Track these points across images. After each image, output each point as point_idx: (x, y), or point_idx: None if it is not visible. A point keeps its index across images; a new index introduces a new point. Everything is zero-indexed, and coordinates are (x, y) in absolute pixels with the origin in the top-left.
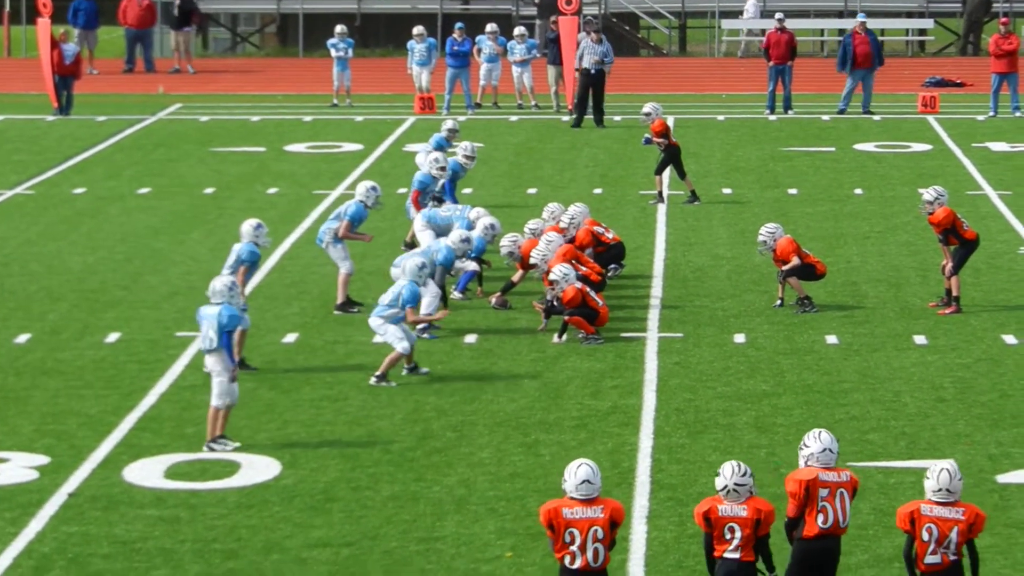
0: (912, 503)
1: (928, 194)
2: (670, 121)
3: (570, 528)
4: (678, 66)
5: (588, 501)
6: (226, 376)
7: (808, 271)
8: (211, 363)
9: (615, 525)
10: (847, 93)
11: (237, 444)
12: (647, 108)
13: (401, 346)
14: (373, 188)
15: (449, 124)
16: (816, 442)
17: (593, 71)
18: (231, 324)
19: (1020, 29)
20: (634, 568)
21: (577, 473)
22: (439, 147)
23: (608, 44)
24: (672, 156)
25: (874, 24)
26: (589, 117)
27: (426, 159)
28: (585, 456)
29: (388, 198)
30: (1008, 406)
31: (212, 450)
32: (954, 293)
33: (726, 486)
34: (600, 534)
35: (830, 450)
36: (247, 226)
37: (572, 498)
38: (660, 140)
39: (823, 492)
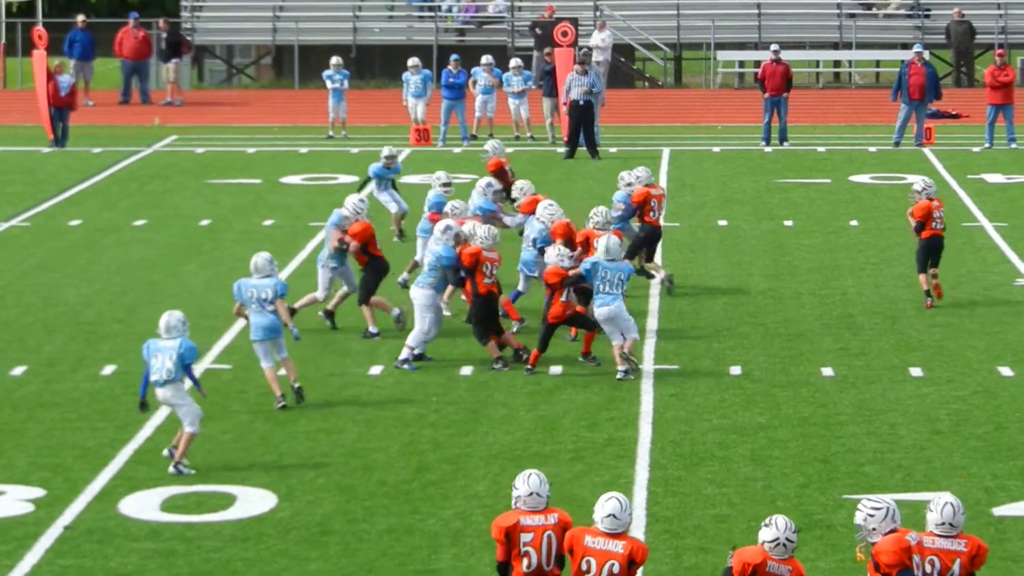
0: (917, 535)
1: (919, 184)
2: (665, 154)
3: (587, 556)
4: (673, 97)
5: (612, 535)
6: (191, 406)
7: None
8: (168, 395)
9: (633, 564)
10: (900, 125)
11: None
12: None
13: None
14: (362, 200)
15: (386, 151)
16: (524, 485)
17: (582, 102)
18: (190, 357)
19: (1015, 60)
20: None
21: (605, 506)
22: (377, 176)
23: (595, 75)
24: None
25: (869, 56)
26: (583, 149)
27: (481, 191)
28: (581, 489)
29: (384, 226)
30: (1004, 438)
31: (180, 472)
32: (924, 287)
33: (777, 538)
34: (616, 568)
35: (538, 494)
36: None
37: (597, 529)
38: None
39: (526, 537)
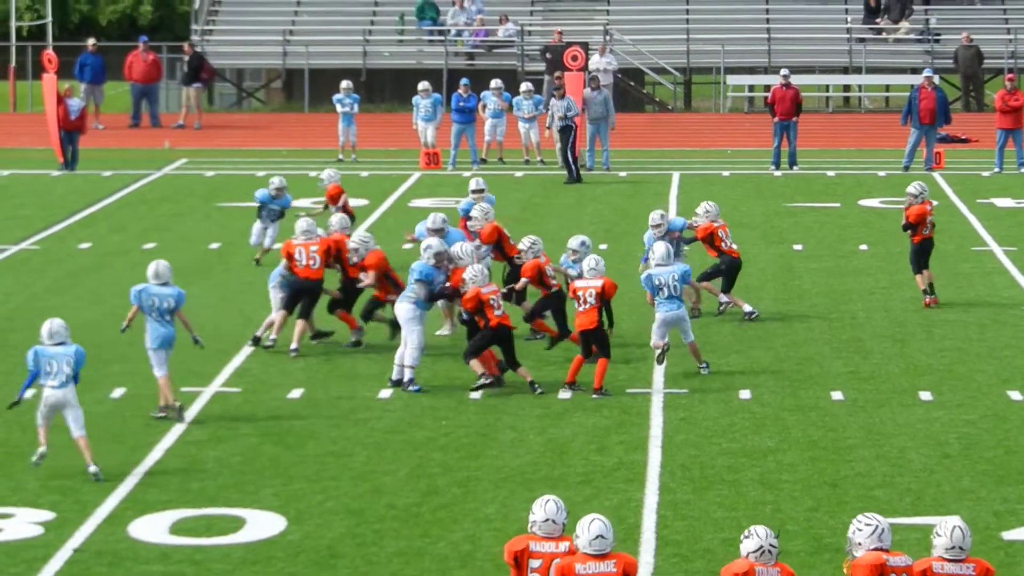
0: (923, 561)
1: (914, 188)
2: (675, 178)
3: None
4: (683, 122)
5: (601, 556)
6: (79, 408)
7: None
8: (69, 397)
9: None
10: (910, 149)
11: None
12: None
13: (410, 358)
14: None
15: (275, 182)
16: (541, 511)
17: (558, 128)
18: (83, 361)
19: None
20: None
21: (590, 528)
22: (262, 203)
23: (570, 98)
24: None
25: (879, 80)
26: (591, 172)
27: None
28: (590, 512)
29: (395, 254)
30: (1013, 462)
31: (99, 478)
32: (921, 287)
33: (761, 546)
34: None
35: (553, 521)
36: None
37: (585, 553)
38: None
39: (534, 563)
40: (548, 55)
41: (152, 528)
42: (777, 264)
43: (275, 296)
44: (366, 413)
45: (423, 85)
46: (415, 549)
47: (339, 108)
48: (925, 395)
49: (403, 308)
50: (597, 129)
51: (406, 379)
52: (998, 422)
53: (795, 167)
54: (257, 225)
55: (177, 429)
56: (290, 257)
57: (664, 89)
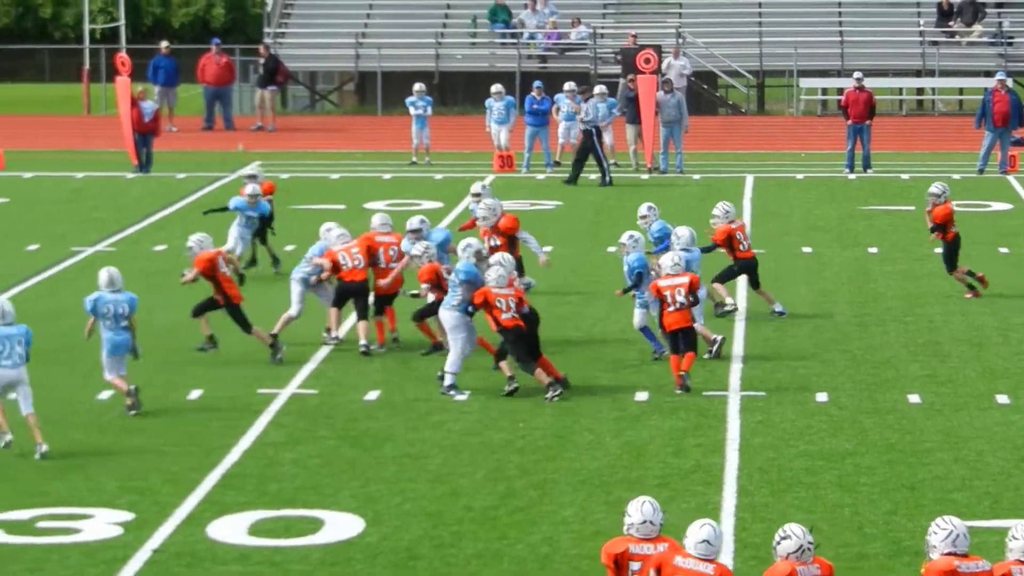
0: (1002, 565)
1: (936, 188)
2: (749, 181)
3: None
4: (756, 124)
5: (703, 559)
6: (29, 386)
7: None
8: (23, 376)
9: None
10: (984, 152)
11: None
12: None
13: (451, 364)
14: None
15: (249, 188)
16: (638, 513)
17: (582, 131)
18: (31, 339)
19: None
20: None
21: (700, 531)
22: (238, 210)
23: (593, 102)
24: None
25: (953, 83)
26: (664, 175)
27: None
28: (668, 515)
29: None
30: None
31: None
32: (964, 282)
33: (801, 546)
34: None
35: (651, 522)
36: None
37: (689, 552)
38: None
39: (635, 565)
40: (618, 57)
41: (231, 529)
42: (852, 267)
43: (296, 289)
44: (442, 415)
45: (496, 88)
46: (493, 551)
47: (412, 111)
48: (1002, 398)
49: (449, 316)
50: (671, 132)
51: (446, 384)
52: None
53: (869, 170)
54: (235, 232)
55: (254, 431)
56: (335, 264)
57: (737, 92)
